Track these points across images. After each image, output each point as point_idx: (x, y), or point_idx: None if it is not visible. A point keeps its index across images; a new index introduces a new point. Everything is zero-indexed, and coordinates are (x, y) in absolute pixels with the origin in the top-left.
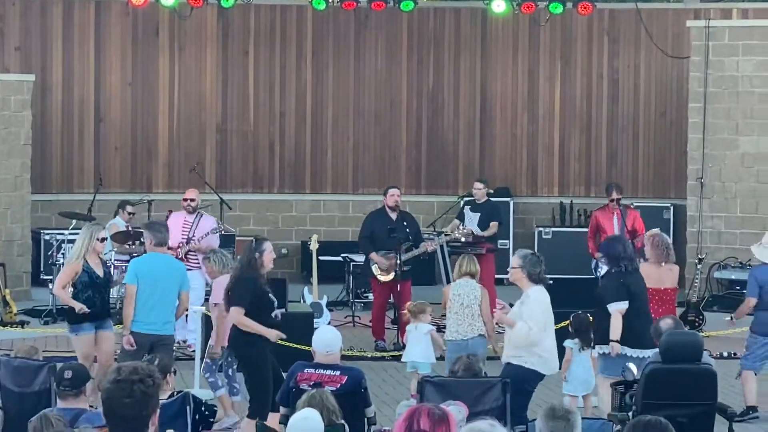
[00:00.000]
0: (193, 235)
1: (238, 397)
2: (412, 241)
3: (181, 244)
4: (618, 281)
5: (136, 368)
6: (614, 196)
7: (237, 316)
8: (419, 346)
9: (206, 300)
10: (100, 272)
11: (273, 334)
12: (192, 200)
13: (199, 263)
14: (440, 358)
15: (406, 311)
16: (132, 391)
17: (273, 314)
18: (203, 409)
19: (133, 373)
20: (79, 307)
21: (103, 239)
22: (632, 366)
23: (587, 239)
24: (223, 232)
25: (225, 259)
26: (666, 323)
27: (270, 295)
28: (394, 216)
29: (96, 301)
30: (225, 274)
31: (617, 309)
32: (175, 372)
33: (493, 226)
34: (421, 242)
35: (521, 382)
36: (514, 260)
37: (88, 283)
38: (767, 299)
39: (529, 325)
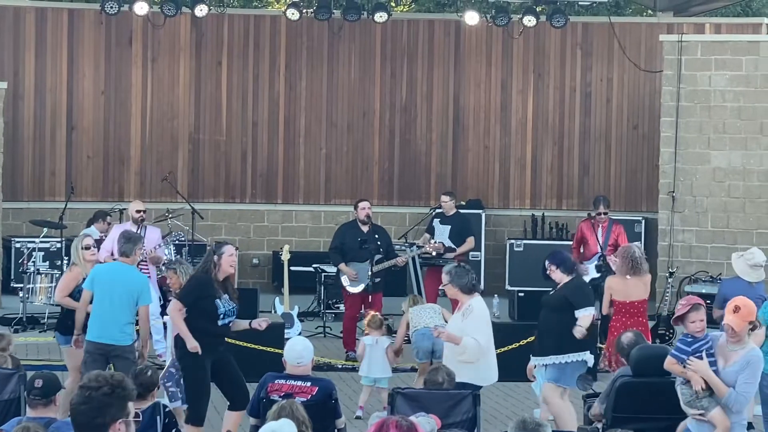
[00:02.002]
0: (143, 246)
1: (179, 402)
2: (384, 254)
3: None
4: (586, 288)
5: (98, 376)
6: (602, 209)
7: (173, 309)
8: (380, 361)
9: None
10: None
11: (191, 345)
12: (144, 212)
13: (149, 273)
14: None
15: (366, 323)
16: (88, 398)
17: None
18: (169, 418)
19: (93, 380)
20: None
21: (87, 247)
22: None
23: (572, 250)
24: (170, 243)
25: (190, 271)
26: (627, 337)
27: (218, 301)
28: (365, 229)
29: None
30: None
31: (588, 314)
32: (158, 388)
33: (469, 241)
34: (393, 256)
35: None
36: (443, 278)
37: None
38: None
39: (476, 339)
